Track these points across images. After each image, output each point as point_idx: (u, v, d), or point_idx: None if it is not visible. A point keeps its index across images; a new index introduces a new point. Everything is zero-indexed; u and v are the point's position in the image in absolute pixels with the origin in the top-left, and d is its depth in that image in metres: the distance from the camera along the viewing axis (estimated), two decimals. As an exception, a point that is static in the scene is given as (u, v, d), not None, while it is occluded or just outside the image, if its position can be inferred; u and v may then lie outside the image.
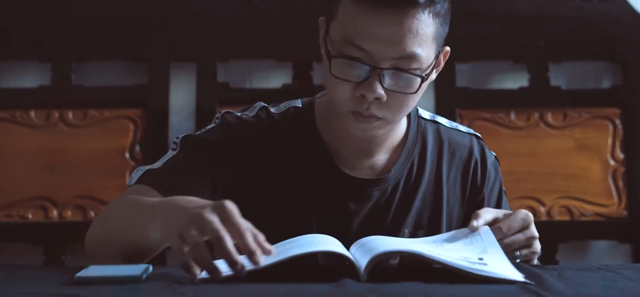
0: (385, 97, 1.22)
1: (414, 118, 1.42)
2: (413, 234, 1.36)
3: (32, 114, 2.28)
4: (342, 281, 1.02)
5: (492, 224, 1.22)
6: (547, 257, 2.26)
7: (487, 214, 1.22)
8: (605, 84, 2.38)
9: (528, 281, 1.03)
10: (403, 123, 1.39)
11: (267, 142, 1.36)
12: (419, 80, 1.23)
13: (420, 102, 2.22)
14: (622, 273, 1.13)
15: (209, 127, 1.39)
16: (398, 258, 1.34)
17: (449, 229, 1.38)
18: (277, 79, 2.35)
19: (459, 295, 0.99)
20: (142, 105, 2.29)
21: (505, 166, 2.27)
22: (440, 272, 1.07)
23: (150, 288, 1.01)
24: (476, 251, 1.12)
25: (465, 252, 1.11)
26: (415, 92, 1.24)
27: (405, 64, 1.22)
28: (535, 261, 1.31)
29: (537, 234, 1.27)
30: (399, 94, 1.23)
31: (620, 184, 2.28)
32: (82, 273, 1.04)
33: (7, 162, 2.26)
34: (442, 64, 1.32)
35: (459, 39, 2.33)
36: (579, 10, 2.33)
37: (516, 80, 2.36)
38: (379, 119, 1.26)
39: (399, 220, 1.36)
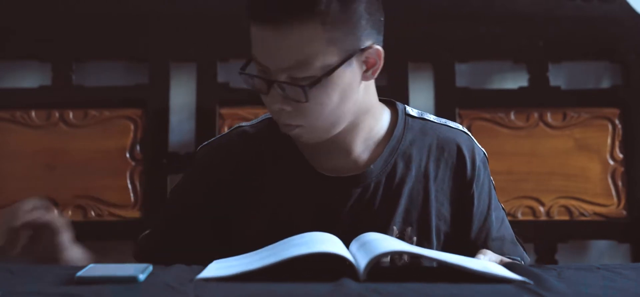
0: (288, 107, 1.26)
1: (401, 115, 1.42)
2: (402, 231, 1.37)
3: (32, 114, 2.28)
4: (342, 281, 1.02)
5: None
6: (547, 257, 2.27)
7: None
8: (605, 84, 2.38)
9: (528, 281, 1.03)
10: (383, 121, 1.40)
11: (241, 160, 1.40)
12: (303, 90, 1.23)
13: (420, 102, 2.25)
14: (622, 273, 1.13)
15: (189, 170, 1.48)
16: (389, 257, 1.35)
17: (438, 226, 1.39)
18: (277, 79, 2.35)
19: (459, 295, 0.99)
20: (142, 105, 2.29)
21: (505, 165, 2.29)
22: (440, 272, 1.07)
23: (150, 288, 1.01)
24: (477, 263, 1.12)
25: (467, 263, 1.11)
26: (308, 101, 1.24)
27: (297, 72, 1.23)
28: None
29: None
30: (301, 104, 1.25)
31: (620, 184, 2.28)
32: (82, 273, 1.04)
33: (7, 162, 2.26)
34: (379, 63, 1.31)
35: (459, 39, 2.34)
36: (579, 10, 2.33)
37: (516, 80, 2.35)
38: (297, 126, 1.29)
39: (385, 216, 1.37)
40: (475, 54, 2.35)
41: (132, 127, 2.28)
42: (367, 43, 1.28)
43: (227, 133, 1.47)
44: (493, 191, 1.46)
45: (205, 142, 1.47)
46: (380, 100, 1.43)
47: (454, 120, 2.25)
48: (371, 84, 1.36)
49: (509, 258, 1.36)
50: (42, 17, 2.30)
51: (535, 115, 2.32)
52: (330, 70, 1.24)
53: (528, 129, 2.32)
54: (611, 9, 2.32)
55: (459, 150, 1.41)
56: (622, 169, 2.29)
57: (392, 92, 2.24)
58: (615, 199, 2.28)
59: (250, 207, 1.38)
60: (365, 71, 1.30)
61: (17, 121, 2.28)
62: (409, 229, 1.37)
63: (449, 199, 1.40)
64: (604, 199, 2.28)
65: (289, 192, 1.38)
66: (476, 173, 1.42)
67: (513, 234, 1.47)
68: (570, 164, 2.30)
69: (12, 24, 2.29)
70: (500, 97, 2.35)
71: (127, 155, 2.27)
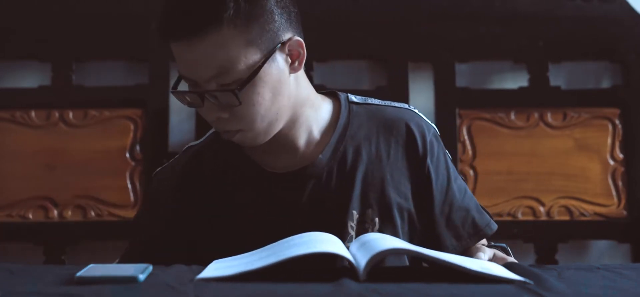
0: (225, 114, 1.28)
1: (345, 104, 1.43)
2: (362, 213, 1.38)
3: (32, 114, 2.28)
4: (342, 281, 1.02)
5: None
6: (547, 257, 2.27)
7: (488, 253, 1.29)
8: (605, 84, 2.38)
9: (528, 281, 1.03)
10: (324, 112, 1.41)
11: (195, 178, 1.42)
12: (233, 94, 1.24)
13: (420, 102, 2.25)
14: (622, 273, 1.13)
15: (146, 202, 1.52)
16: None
17: (399, 204, 1.39)
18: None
19: (459, 295, 0.99)
20: (142, 105, 2.29)
21: (505, 165, 2.29)
22: (441, 272, 1.07)
23: (150, 288, 1.01)
24: (477, 263, 1.12)
25: (467, 263, 1.11)
26: (241, 103, 1.25)
27: (224, 79, 1.25)
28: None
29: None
30: (235, 108, 1.26)
31: (620, 184, 2.28)
32: (82, 273, 1.04)
33: (7, 162, 2.26)
34: (303, 53, 1.32)
35: (459, 39, 2.34)
36: (579, 10, 2.33)
37: (516, 80, 2.36)
38: (237, 131, 1.30)
39: (342, 202, 1.38)
40: (475, 54, 2.35)
41: (132, 127, 2.28)
42: (287, 36, 1.29)
43: (178, 156, 1.48)
44: (450, 163, 1.47)
45: (158, 169, 1.50)
46: (320, 92, 1.44)
47: (453, 120, 2.28)
48: (302, 77, 1.37)
49: (495, 245, 1.38)
50: (42, 17, 2.30)
51: (535, 115, 2.32)
52: (256, 69, 1.25)
53: (528, 129, 2.32)
54: (611, 9, 2.32)
55: (408, 127, 1.42)
56: (622, 169, 2.29)
57: (392, 92, 2.25)
58: (615, 199, 2.28)
59: (212, 220, 1.40)
60: (291, 64, 1.32)
61: (17, 121, 2.28)
62: (369, 210, 1.38)
63: (406, 177, 1.41)
64: (604, 199, 2.29)
65: (245, 197, 1.39)
66: (428, 148, 1.42)
67: (477, 202, 1.48)
68: (570, 164, 2.30)
69: (12, 24, 2.30)
70: (500, 97, 2.35)
71: (127, 155, 2.27)
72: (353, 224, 1.37)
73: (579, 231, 2.29)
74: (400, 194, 1.40)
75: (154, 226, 1.44)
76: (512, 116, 2.32)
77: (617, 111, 2.32)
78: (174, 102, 2.29)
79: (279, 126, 1.34)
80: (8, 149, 2.27)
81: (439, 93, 2.32)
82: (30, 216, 2.24)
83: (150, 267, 1.08)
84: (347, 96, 1.45)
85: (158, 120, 2.28)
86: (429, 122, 1.47)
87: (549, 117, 2.32)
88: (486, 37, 2.33)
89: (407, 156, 1.41)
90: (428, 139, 1.42)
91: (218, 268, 1.09)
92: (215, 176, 1.42)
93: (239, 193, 1.40)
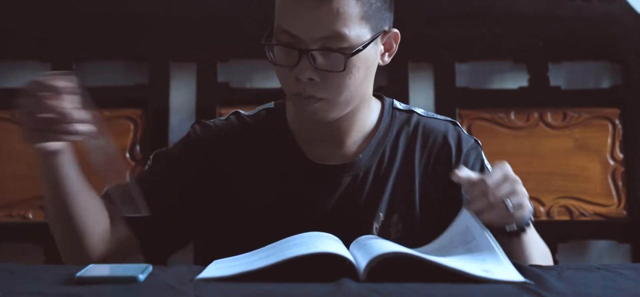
0: (318, 78, 1.28)
1: (388, 108, 1.46)
2: (388, 218, 1.38)
3: (32, 114, 2.28)
4: (342, 281, 1.02)
5: (474, 185, 1.22)
6: (547, 257, 2.26)
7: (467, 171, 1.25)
8: (605, 84, 2.38)
9: (528, 281, 1.03)
10: (374, 113, 1.44)
11: (236, 142, 1.44)
12: (344, 58, 1.26)
13: (420, 102, 2.25)
14: (622, 273, 1.13)
15: (180, 143, 1.51)
16: (379, 225, 1.37)
17: (425, 213, 1.40)
18: (277, 79, 2.35)
19: (459, 295, 0.99)
20: (142, 105, 2.29)
21: (505, 165, 2.29)
22: (441, 272, 1.07)
23: (150, 287, 1.01)
24: (478, 263, 1.11)
25: (468, 264, 1.10)
26: (344, 70, 1.26)
27: (332, 43, 1.26)
28: (529, 206, 1.29)
29: (518, 178, 1.29)
30: (332, 74, 1.27)
31: (620, 184, 2.28)
32: (82, 273, 1.05)
33: (7, 162, 2.26)
34: (395, 47, 1.37)
35: (459, 39, 2.34)
36: (579, 10, 2.33)
37: (516, 80, 2.36)
38: (319, 99, 1.30)
39: (372, 204, 1.39)
40: (475, 54, 2.35)
41: (132, 127, 2.28)
42: (388, 26, 1.35)
43: (226, 118, 1.49)
44: None
45: (203, 120, 1.50)
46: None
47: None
48: (374, 74, 1.39)
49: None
50: (42, 17, 2.29)
51: (535, 115, 2.32)
52: (366, 44, 1.28)
53: (528, 129, 2.32)
54: (611, 9, 2.32)
55: (445, 138, 1.44)
56: (622, 169, 2.29)
57: (392, 92, 2.24)
58: (615, 199, 2.28)
59: (241, 193, 1.40)
60: (382, 54, 1.36)
61: (17, 121, 2.27)
62: (395, 216, 1.39)
63: (436, 186, 1.42)
64: (604, 199, 2.29)
65: (280, 178, 1.40)
66: (463, 159, 1.43)
67: None
68: (570, 164, 2.30)
69: (12, 24, 2.29)
70: (500, 97, 2.35)
71: (127, 155, 2.27)
72: (377, 226, 1.38)
73: (579, 231, 2.29)
74: (427, 203, 1.41)
75: (179, 170, 1.43)
76: (512, 116, 2.32)
77: (617, 111, 2.32)
78: (174, 102, 2.29)
79: (347, 110, 1.35)
80: (8, 149, 2.26)
81: (439, 93, 2.32)
82: (30, 216, 2.24)
83: (150, 267, 1.08)
84: (392, 101, 1.48)
85: (158, 120, 2.28)
86: (470, 136, 1.48)
87: (549, 117, 2.32)
88: (486, 37, 2.33)
89: (441, 166, 1.42)
90: (464, 150, 1.44)
91: (218, 268, 1.10)
92: (257, 149, 1.42)
93: (276, 172, 1.41)
